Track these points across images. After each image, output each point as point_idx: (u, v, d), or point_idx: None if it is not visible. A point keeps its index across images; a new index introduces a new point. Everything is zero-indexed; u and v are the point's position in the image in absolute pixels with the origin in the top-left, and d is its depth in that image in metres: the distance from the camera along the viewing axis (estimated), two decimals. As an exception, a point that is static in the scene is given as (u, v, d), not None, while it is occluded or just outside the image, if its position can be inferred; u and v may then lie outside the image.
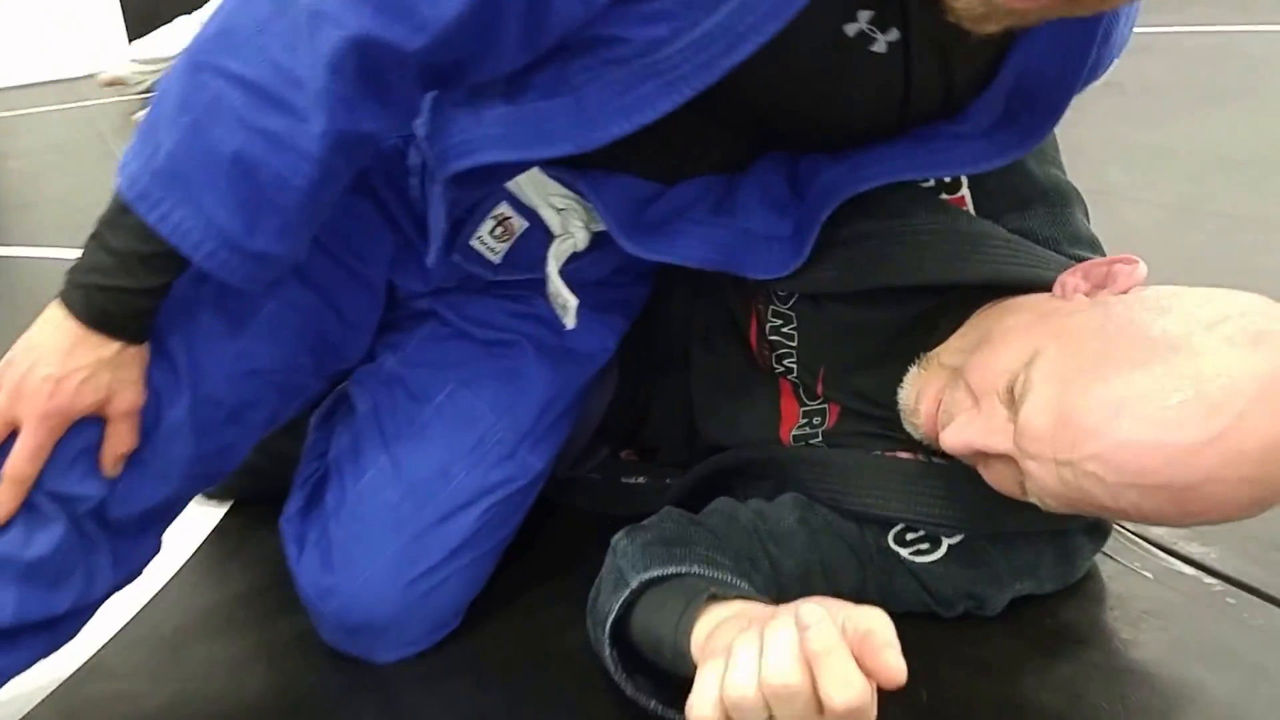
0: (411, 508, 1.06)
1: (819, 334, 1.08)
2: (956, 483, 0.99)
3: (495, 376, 1.12)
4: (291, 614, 1.10)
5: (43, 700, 0.99)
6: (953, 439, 0.91)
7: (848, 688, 0.66)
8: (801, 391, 1.12)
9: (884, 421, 1.04)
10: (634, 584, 0.91)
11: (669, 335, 1.21)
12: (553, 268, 1.06)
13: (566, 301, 1.06)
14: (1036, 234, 1.05)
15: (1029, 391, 0.85)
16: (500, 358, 1.13)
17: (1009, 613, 1.04)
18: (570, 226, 1.07)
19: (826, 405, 1.10)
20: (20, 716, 0.96)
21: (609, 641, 0.92)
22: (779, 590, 0.99)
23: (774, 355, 1.12)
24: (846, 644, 0.67)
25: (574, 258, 1.08)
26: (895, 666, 0.66)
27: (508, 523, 1.12)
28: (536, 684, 1.03)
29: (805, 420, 1.11)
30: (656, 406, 1.24)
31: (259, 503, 1.28)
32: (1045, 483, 0.85)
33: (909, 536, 1.03)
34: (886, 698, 0.67)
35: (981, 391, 0.90)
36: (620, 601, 0.92)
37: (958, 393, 0.93)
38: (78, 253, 0.87)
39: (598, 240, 1.08)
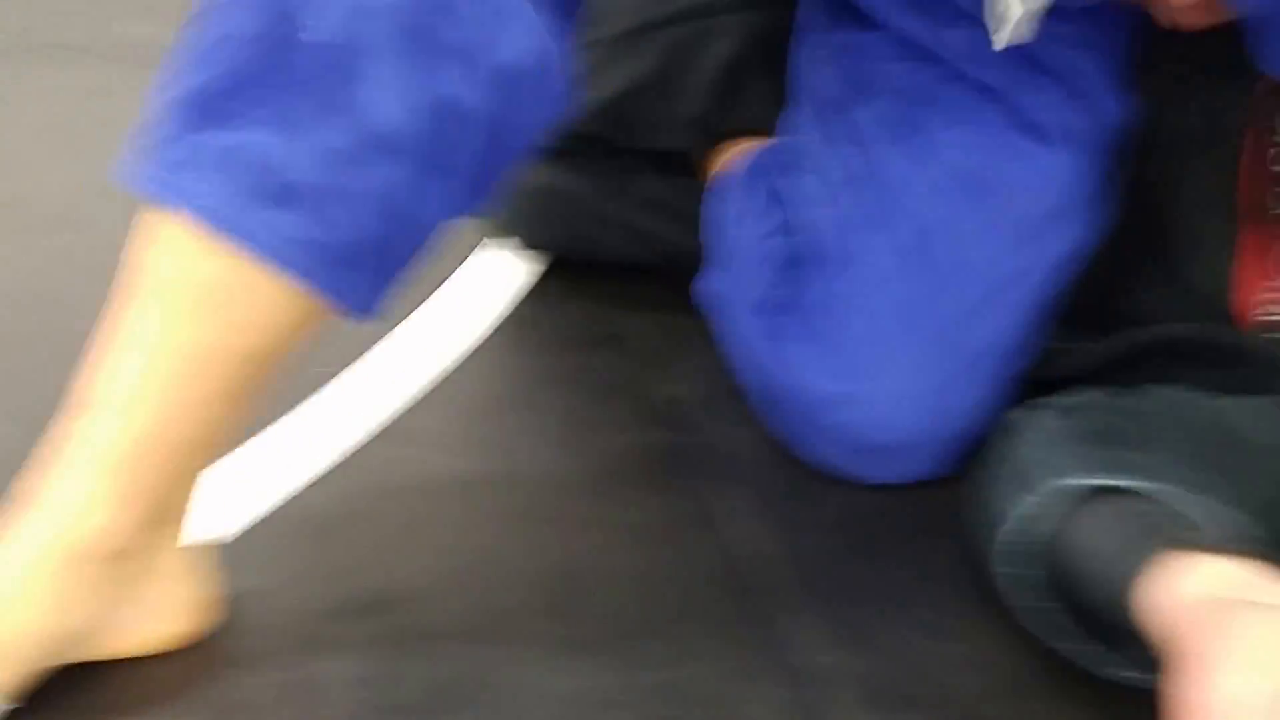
0: (931, 301, 0.90)
1: None
2: None
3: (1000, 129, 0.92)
4: (612, 392, 1.00)
5: (340, 463, 0.92)
6: None
7: None
8: None
9: None
10: (1049, 490, 0.70)
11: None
12: None
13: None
14: None
15: None
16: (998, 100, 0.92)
17: None
18: None
19: None
20: (317, 475, 0.91)
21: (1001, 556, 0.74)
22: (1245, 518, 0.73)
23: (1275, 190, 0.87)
24: None
25: None
26: None
27: (1043, 310, 0.93)
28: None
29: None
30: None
31: (577, 261, 1.17)
32: None
33: None
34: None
35: None
36: (1026, 510, 0.72)
37: None
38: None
39: None
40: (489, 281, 1.16)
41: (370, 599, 0.79)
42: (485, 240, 1.19)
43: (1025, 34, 0.84)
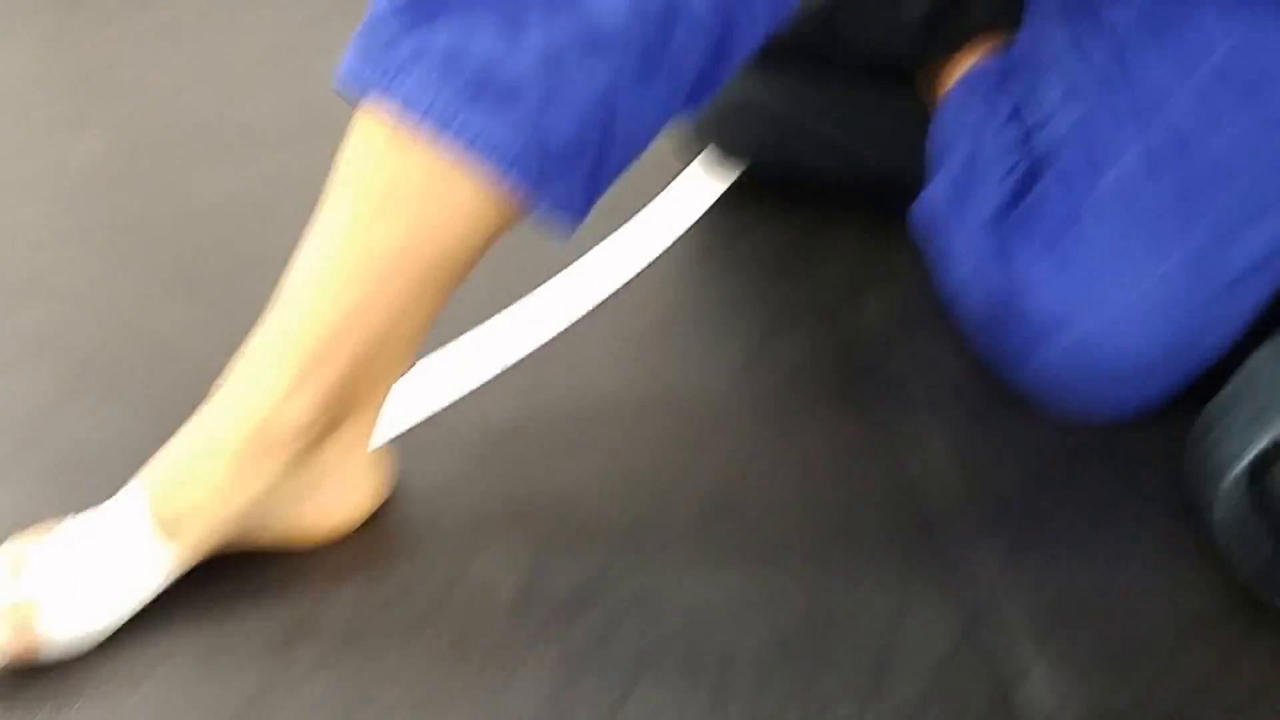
0: (1192, 212, 0.82)
1: None
2: None
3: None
4: (798, 315, 0.97)
5: (502, 373, 0.92)
6: None
7: None
8: None
9: None
10: None
11: None
12: None
13: None
14: None
15: None
16: None
17: None
18: None
19: None
20: (480, 383, 0.90)
21: (1245, 483, 0.68)
22: None
23: None
24: None
25: None
26: None
27: None
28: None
29: None
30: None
31: (770, 176, 1.13)
32: None
33: None
34: None
35: None
36: (1266, 442, 0.67)
37: None
38: None
39: None
40: (677, 198, 1.13)
41: (528, 504, 0.79)
42: (676, 155, 1.16)
43: None
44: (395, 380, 0.75)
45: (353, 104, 0.69)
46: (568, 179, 0.68)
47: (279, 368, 0.69)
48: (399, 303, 0.70)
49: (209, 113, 1.27)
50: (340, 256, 0.69)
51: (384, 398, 0.75)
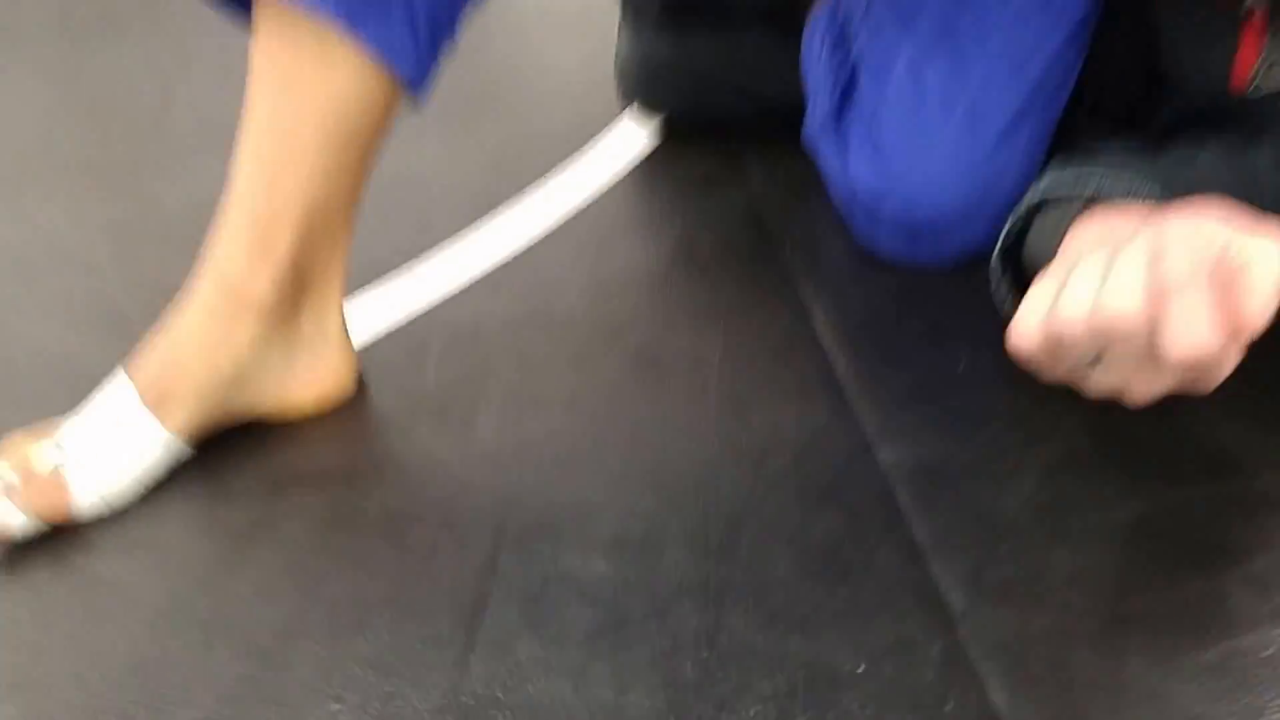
0: (957, 84, 0.96)
1: None
2: None
3: None
4: (712, 227, 1.11)
5: (474, 283, 1.04)
6: None
7: (1189, 335, 0.52)
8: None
9: None
10: (1031, 199, 0.78)
11: None
12: None
13: None
14: None
15: None
16: None
17: None
18: None
19: None
20: (451, 291, 1.03)
21: (998, 261, 0.81)
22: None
23: None
24: (1210, 280, 0.52)
25: None
26: (1251, 313, 0.52)
27: (1067, 81, 0.98)
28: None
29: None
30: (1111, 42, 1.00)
31: (691, 120, 1.30)
32: None
33: None
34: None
35: None
36: (1010, 222, 0.80)
37: None
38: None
39: None
40: (618, 141, 1.29)
41: (483, 373, 0.92)
42: (613, 108, 1.33)
43: None
44: (342, 254, 0.85)
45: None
46: (389, 23, 0.75)
47: (234, 239, 0.80)
48: (321, 176, 0.79)
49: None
50: (258, 140, 0.79)
51: (340, 275, 0.86)
